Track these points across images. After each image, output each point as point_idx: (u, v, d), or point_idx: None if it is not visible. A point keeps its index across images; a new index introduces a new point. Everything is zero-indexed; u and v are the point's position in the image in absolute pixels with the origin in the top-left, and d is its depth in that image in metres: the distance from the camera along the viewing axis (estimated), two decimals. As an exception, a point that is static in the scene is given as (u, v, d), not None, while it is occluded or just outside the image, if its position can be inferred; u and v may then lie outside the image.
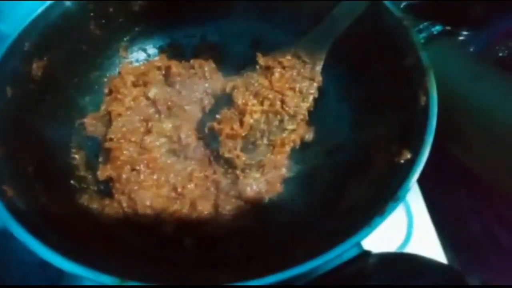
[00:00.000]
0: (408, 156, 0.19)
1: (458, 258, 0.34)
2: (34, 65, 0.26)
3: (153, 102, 0.30)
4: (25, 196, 0.19)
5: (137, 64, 0.36)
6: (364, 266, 0.17)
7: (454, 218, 0.36)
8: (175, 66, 0.32)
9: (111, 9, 0.32)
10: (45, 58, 0.26)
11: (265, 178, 0.28)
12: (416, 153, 0.19)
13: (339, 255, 0.17)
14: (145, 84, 0.31)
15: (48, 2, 0.26)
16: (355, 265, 0.17)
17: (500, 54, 0.31)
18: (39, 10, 0.26)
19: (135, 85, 0.32)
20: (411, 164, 0.19)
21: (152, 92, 0.30)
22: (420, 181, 0.31)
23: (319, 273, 0.16)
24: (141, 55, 0.37)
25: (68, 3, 0.28)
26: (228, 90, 0.28)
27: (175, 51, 0.37)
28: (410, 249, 0.32)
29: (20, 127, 0.23)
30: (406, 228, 0.34)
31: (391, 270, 0.16)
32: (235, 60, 0.36)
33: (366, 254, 0.17)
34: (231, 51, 0.37)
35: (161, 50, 0.37)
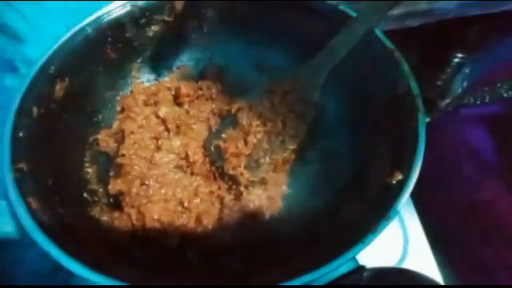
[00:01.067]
0: (400, 177, 0.21)
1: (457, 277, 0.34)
2: (57, 87, 0.28)
3: (163, 121, 0.32)
4: (46, 208, 0.20)
5: (148, 84, 0.39)
6: (359, 279, 0.18)
7: (452, 239, 0.37)
8: (184, 87, 0.34)
9: (127, 35, 0.35)
10: (66, 79, 0.29)
11: (267, 194, 0.29)
12: (407, 175, 0.21)
13: (334, 269, 0.18)
14: (156, 104, 0.34)
15: (73, 29, 0.29)
16: (351, 278, 0.18)
17: (505, 95, 0.32)
18: (65, 37, 0.29)
19: (146, 104, 0.34)
20: (402, 185, 0.20)
21: (162, 111, 0.32)
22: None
23: (317, 286, 0.18)
24: (151, 76, 0.39)
25: (89, 30, 0.31)
26: (233, 111, 0.30)
27: (183, 73, 0.39)
28: (406, 266, 0.33)
29: (42, 144, 0.25)
30: (402, 246, 0.35)
31: (384, 283, 0.17)
32: (240, 81, 0.38)
33: (361, 268, 0.19)
34: (236, 73, 0.39)
35: (170, 71, 0.40)
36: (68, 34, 0.29)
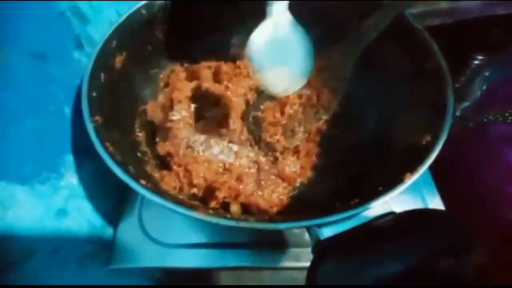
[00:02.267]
0: (429, 138, 0.23)
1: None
2: (117, 58, 0.32)
3: (205, 95, 0.35)
4: (118, 154, 0.24)
5: (186, 65, 0.42)
6: (390, 220, 0.20)
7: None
8: (224, 65, 0.37)
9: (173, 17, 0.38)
10: (124, 53, 0.33)
11: (300, 162, 0.32)
12: (436, 135, 0.23)
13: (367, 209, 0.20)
14: (197, 80, 0.37)
15: (131, 11, 0.33)
16: (383, 220, 0.21)
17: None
18: (124, 16, 0.32)
19: (188, 80, 0.37)
20: (431, 144, 0.23)
21: (204, 86, 0.36)
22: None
23: (355, 223, 0.20)
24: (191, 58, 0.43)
25: (143, 11, 0.35)
26: (271, 85, 0.33)
27: (218, 55, 0.42)
28: None
29: (108, 105, 0.28)
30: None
31: (413, 222, 0.20)
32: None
33: (392, 212, 0.21)
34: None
35: (206, 54, 0.43)
36: (127, 14, 0.33)
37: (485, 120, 0.37)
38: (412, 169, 0.22)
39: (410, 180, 0.21)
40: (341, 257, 0.18)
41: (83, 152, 0.32)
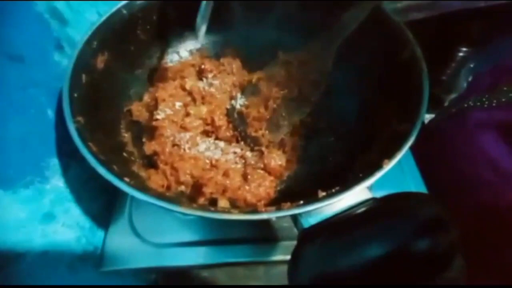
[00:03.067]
0: (406, 125, 0.24)
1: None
2: (98, 59, 0.32)
3: (189, 93, 0.36)
4: (102, 153, 0.24)
5: (171, 64, 0.42)
6: (371, 206, 0.21)
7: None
8: (207, 63, 0.37)
9: (154, 17, 0.38)
10: (105, 53, 0.32)
11: (285, 156, 0.32)
12: (413, 122, 0.24)
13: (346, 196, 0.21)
14: (182, 78, 0.37)
15: (112, 11, 0.33)
16: (364, 205, 0.21)
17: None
18: (105, 16, 0.32)
19: (173, 79, 0.37)
20: (408, 131, 0.23)
21: (189, 84, 0.36)
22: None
23: (337, 212, 0.21)
24: (174, 57, 0.43)
25: (124, 11, 0.34)
26: (254, 81, 0.33)
27: (203, 54, 0.43)
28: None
29: (91, 106, 0.28)
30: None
31: (394, 206, 0.20)
32: (254, 62, 0.41)
33: (373, 198, 0.22)
34: (250, 54, 0.43)
35: (191, 52, 0.43)
36: (108, 15, 0.33)
37: (465, 105, 0.38)
38: (391, 155, 0.23)
39: (388, 166, 0.22)
40: (321, 243, 0.18)
41: (68, 154, 0.32)
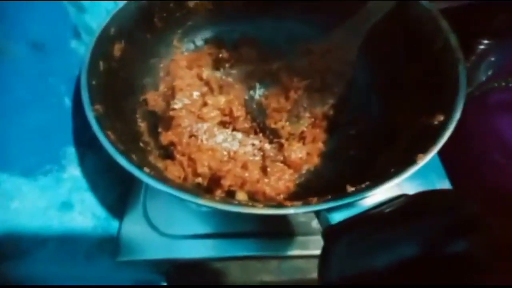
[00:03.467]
0: (441, 118, 0.23)
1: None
2: (116, 47, 0.31)
3: (206, 82, 0.35)
4: (120, 142, 0.23)
5: (186, 53, 0.41)
6: (401, 203, 0.20)
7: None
8: (225, 52, 0.36)
9: (171, 5, 0.37)
10: (122, 42, 0.32)
11: (306, 148, 0.31)
12: (449, 114, 0.22)
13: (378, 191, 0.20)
14: (198, 68, 0.36)
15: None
16: (394, 203, 0.20)
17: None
18: (122, 4, 0.31)
19: (189, 68, 0.37)
20: (444, 123, 0.22)
21: (205, 73, 0.35)
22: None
23: (366, 208, 0.19)
24: (190, 46, 0.42)
25: (143, -1, 0.34)
26: (274, 70, 0.32)
27: (218, 43, 0.42)
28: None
29: (109, 94, 0.28)
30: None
31: (425, 204, 0.19)
32: (272, 52, 0.40)
33: (404, 195, 0.20)
34: (267, 45, 0.41)
35: (207, 42, 0.42)
36: (125, 2, 0.32)
37: (488, 87, 0.36)
38: (424, 149, 0.21)
39: (423, 160, 0.20)
40: (352, 241, 0.17)
41: (85, 143, 0.31)
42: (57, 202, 0.28)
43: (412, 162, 0.20)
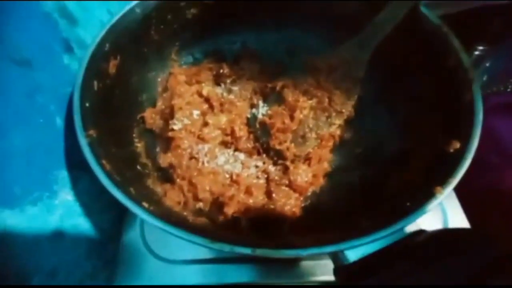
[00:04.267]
0: (458, 145, 0.21)
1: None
2: (111, 63, 0.29)
3: (207, 99, 0.33)
4: (115, 170, 0.22)
5: (185, 66, 0.40)
6: (419, 239, 0.18)
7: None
8: (226, 67, 0.35)
9: (169, 17, 0.35)
10: (118, 57, 0.30)
11: (311, 170, 0.30)
12: (465, 142, 0.21)
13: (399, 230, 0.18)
14: (198, 83, 0.35)
15: (124, 10, 0.30)
16: (412, 239, 0.19)
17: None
18: (117, 16, 0.30)
19: (188, 83, 0.35)
20: (461, 152, 0.21)
21: (206, 90, 0.33)
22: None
23: (387, 244, 0.18)
24: (189, 59, 0.40)
25: (137, 10, 0.32)
26: (278, 88, 0.30)
27: (218, 56, 0.40)
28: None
29: (103, 115, 0.26)
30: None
31: (444, 242, 0.18)
32: (272, 66, 0.39)
33: (422, 231, 0.19)
34: (268, 57, 0.40)
35: (206, 54, 0.41)
36: (120, 14, 0.30)
37: (489, 91, 0.37)
38: (442, 181, 0.20)
39: (442, 194, 0.19)
40: (378, 284, 0.16)
41: (78, 165, 0.29)
42: (47, 231, 0.26)
43: (430, 195, 0.19)
